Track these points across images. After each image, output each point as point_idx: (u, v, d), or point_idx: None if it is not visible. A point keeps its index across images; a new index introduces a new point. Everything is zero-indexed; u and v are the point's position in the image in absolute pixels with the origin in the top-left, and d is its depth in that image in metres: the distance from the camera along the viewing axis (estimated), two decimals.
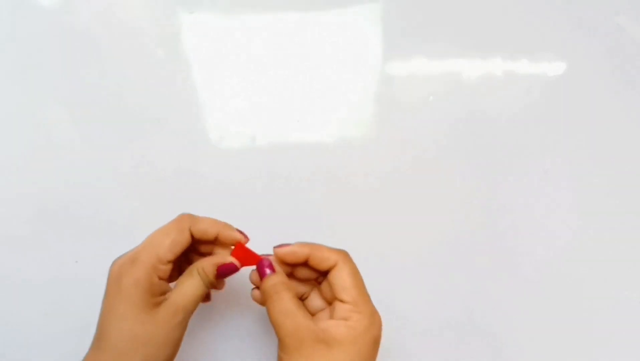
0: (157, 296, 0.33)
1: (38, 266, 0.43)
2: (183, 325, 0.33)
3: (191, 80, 0.45)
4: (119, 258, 0.33)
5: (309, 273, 0.35)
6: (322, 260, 0.33)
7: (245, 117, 0.44)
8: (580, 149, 0.45)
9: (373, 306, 0.32)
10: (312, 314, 0.35)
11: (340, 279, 0.32)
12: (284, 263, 0.34)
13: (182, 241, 0.34)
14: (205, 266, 0.34)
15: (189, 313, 0.33)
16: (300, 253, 0.33)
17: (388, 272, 0.43)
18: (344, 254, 0.33)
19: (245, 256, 0.35)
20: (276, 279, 0.33)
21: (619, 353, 0.43)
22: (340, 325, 0.31)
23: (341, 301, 0.32)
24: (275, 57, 0.45)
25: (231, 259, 0.34)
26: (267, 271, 0.34)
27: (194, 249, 0.36)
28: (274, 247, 0.34)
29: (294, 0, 0.46)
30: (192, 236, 0.34)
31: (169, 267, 0.33)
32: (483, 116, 0.45)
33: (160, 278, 0.33)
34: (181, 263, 0.36)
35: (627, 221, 0.44)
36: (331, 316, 0.33)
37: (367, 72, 0.45)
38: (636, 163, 0.45)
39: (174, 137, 0.44)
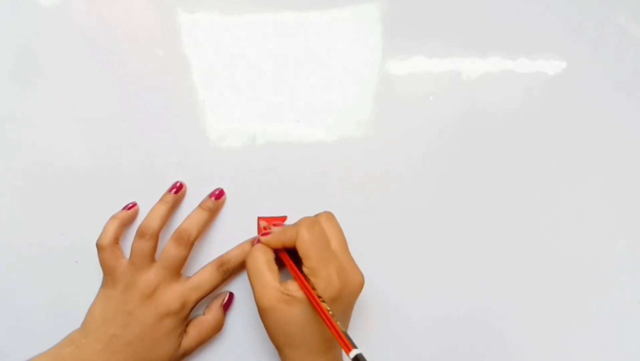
0: None
1: (38, 266, 0.43)
2: None
3: (191, 80, 0.45)
4: None
5: None
6: (289, 241, 0.37)
7: (245, 116, 0.44)
8: (580, 149, 0.45)
9: (330, 270, 0.35)
10: None
11: (299, 249, 0.36)
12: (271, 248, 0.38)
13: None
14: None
15: None
16: (274, 242, 0.38)
17: (388, 271, 0.43)
18: (303, 225, 0.37)
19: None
20: (256, 247, 0.38)
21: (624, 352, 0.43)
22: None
23: (305, 266, 0.36)
24: (275, 56, 0.45)
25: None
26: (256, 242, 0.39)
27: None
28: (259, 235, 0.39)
29: (293, 0, 0.46)
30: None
31: None
32: (483, 115, 0.45)
33: None
34: None
35: (627, 220, 0.45)
36: None
37: (367, 71, 0.45)
38: (636, 162, 0.45)
39: (174, 137, 0.44)
